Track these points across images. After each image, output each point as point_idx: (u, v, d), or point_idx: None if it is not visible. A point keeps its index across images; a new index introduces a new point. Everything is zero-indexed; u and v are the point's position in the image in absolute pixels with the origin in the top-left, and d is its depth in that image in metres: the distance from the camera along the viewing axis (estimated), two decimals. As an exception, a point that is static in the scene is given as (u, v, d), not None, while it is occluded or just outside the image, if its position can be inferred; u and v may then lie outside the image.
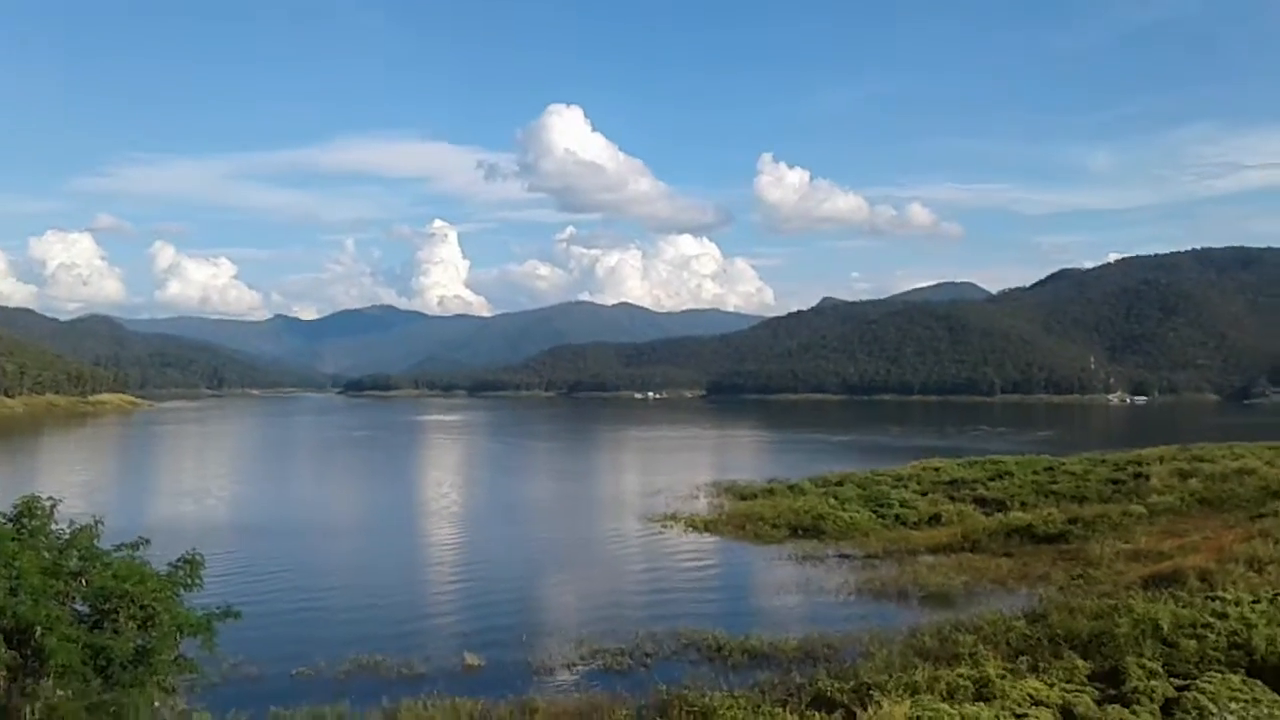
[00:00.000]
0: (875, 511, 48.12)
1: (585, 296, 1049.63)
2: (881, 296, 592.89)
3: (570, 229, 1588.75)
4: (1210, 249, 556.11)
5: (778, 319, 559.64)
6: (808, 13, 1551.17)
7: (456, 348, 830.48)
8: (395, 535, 49.85)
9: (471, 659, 25.35)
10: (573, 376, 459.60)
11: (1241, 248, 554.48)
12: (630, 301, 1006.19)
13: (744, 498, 55.99)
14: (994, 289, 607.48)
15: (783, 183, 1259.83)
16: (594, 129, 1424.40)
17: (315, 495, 71.96)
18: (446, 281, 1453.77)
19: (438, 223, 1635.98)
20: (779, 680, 21.82)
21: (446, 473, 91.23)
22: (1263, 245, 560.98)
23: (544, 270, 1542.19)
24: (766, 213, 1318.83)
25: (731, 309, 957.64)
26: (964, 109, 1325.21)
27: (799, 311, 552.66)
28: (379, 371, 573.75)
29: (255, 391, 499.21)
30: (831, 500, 50.69)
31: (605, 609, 32.34)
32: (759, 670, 23.62)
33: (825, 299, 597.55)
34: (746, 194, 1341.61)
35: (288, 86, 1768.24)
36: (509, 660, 25.48)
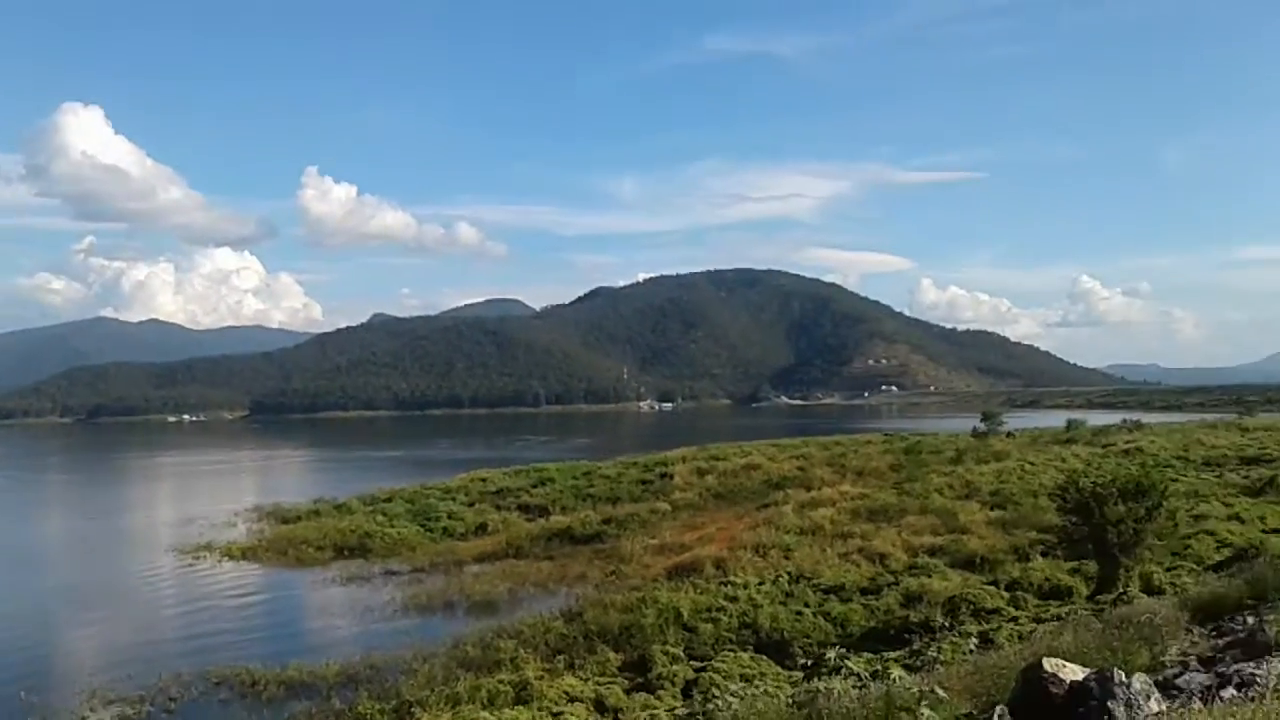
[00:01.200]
0: (423, 525, 47.86)
1: (109, 313, 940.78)
2: (432, 313, 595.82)
3: (90, 239, 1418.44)
4: (722, 270, 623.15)
5: (326, 335, 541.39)
6: (357, 27, 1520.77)
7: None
8: None
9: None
10: (93, 400, 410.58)
11: (747, 269, 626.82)
12: (161, 318, 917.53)
13: (287, 521, 53.16)
14: (538, 305, 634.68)
15: (329, 197, 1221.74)
16: (117, 131, 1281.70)
17: None
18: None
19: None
20: (316, 710, 20.85)
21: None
22: (763, 268, 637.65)
23: (58, 284, 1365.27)
24: (312, 227, 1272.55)
25: (276, 326, 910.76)
26: (506, 132, 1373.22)
27: (348, 328, 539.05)
28: None
29: None
30: (379, 517, 49.64)
31: (127, 654, 28.94)
32: (296, 701, 22.42)
33: (376, 315, 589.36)
34: (291, 207, 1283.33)
35: None
36: (-3, 724, 21.99)
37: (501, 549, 41.86)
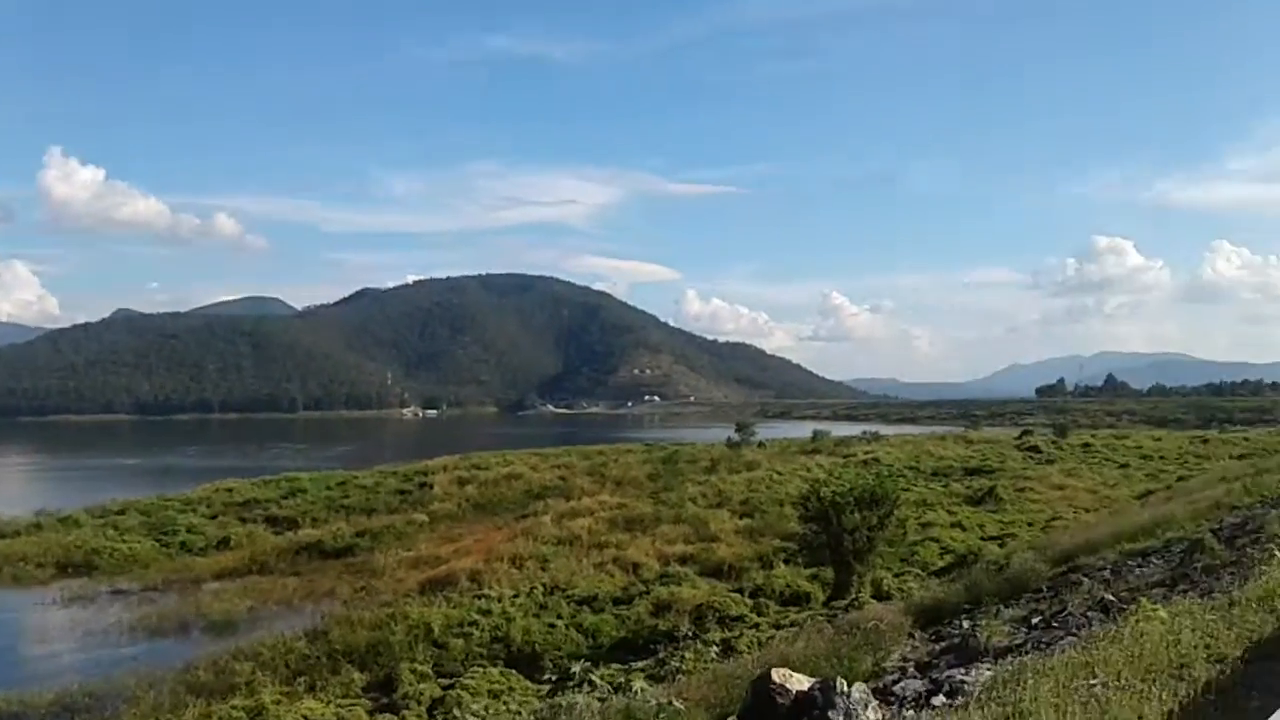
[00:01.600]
0: (159, 540, 44.73)
1: None
2: (182, 310, 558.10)
3: None
4: (493, 275, 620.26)
5: (61, 331, 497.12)
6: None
7: None
8: None
9: None
10: None
11: (520, 275, 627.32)
12: None
13: (3, 535, 48.30)
14: (299, 305, 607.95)
15: (73, 180, 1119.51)
16: None
17: None
18: None
19: None
20: (22, 746, 18.98)
21: None
22: (536, 273, 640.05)
23: None
24: (53, 212, 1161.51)
25: (5, 319, 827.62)
26: (272, 121, 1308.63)
27: (87, 324, 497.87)
28: None
29: None
30: (110, 531, 45.99)
31: None
32: (0, 737, 20.34)
33: (119, 310, 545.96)
34: (30, 190, 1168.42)
35: None
36: None
37: (244, 565, 39.74)
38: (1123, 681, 5.98)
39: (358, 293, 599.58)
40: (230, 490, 55.60)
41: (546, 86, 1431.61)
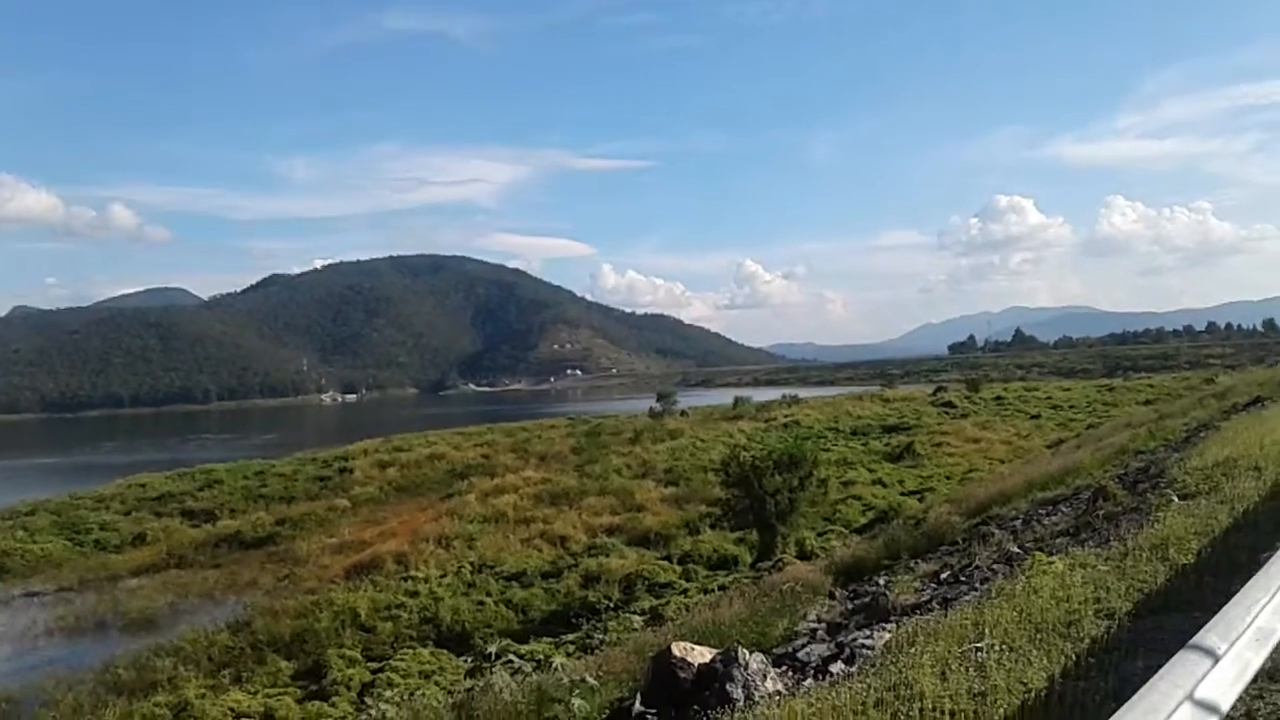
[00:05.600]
0: (72, 540, 43.50)
1: None
2: (84, 304, 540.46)
3: None
4: (405, 256, 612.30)
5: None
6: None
7: None
8: None
9: None
10: None
11: (432, 255, 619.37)
12: None
13: (-97, 545, 46.58)
14: (206, 294, 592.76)
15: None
16: None
17: None
18: None
19: None
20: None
21: None
22: (447, 253, 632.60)
23: None
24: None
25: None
26: (166, 107, 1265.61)
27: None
28: None
29: None
30: (19, 533, 44.53)
31: None
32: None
33: (16, 308, 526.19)
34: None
35: None
36: None
37: (162, 559, 38.86)
38: (1011, 642, 5.84)
39: (266, 279, 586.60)
40: (144, 485, 54.12)
41: (446, 65, 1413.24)
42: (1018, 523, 15.31)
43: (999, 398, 73.98)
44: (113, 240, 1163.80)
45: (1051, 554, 9.14)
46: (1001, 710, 4.85)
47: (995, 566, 10.60)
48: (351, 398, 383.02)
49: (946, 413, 65.78)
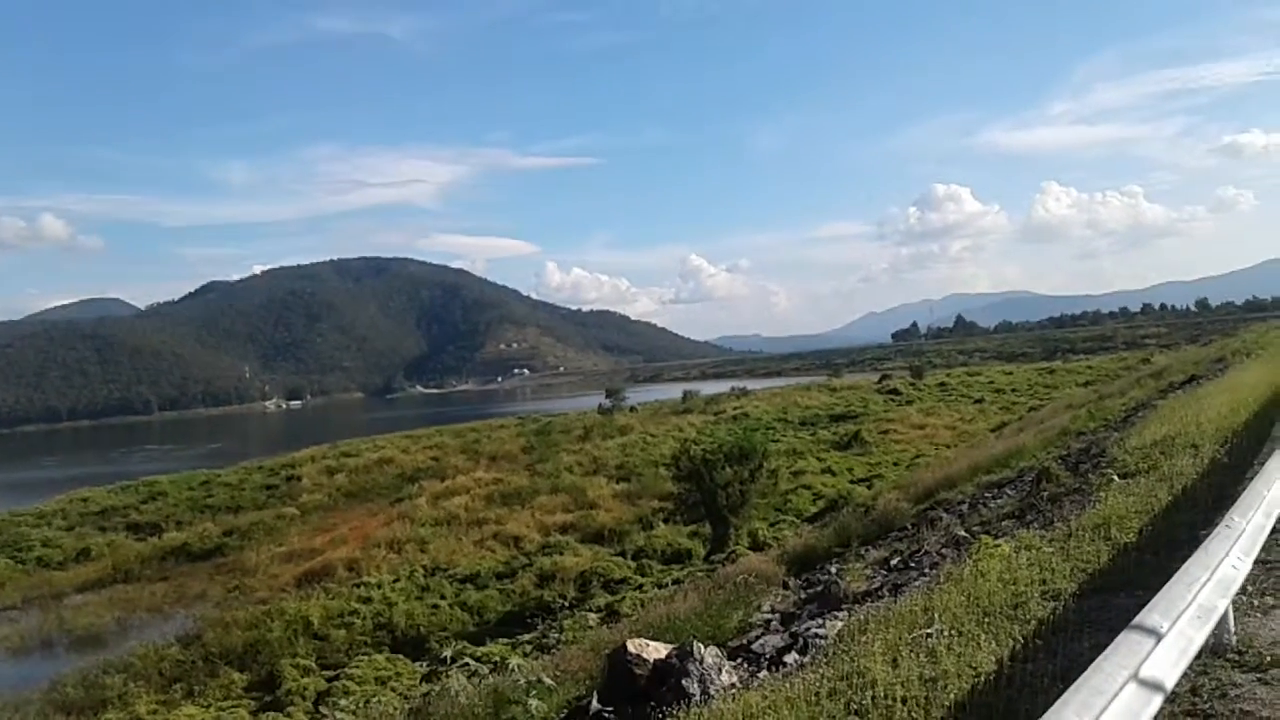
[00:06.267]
0: (13, 558, 42.50)
1: None
2: (15, 318, 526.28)
3: None
4: (346, 259, 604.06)
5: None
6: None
7: None
8: None
9: None
10: None
11: (374, 258, 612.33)
12: None
13: None
14: (143, 304, 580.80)
15: None
16: None
17: None
18: None
19: None
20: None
21: None
22: (390, 255, 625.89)
23: None
24: None
25: None
26: (93, 114, 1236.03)
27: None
28: None
29: None
30: (-44, 554, 43.42)
31: None
32: None
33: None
34: None
35: None
36: None
37: (108, 575, 38.15)
38: (960, 627, 5.90)
39: (204, 287, 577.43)
40: (85, 500, 53.02)
41: (383, 65, 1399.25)
42: (964, 507, 15.54)
43: (943, 384, 75.09)
44: (44, 251, 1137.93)
45: (998, 537, 9.28)
46: (952, 695, 4.92)
47: (944, 551, 10.75)
48: (296, 404, 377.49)
49: (892, 400, 66.61)
